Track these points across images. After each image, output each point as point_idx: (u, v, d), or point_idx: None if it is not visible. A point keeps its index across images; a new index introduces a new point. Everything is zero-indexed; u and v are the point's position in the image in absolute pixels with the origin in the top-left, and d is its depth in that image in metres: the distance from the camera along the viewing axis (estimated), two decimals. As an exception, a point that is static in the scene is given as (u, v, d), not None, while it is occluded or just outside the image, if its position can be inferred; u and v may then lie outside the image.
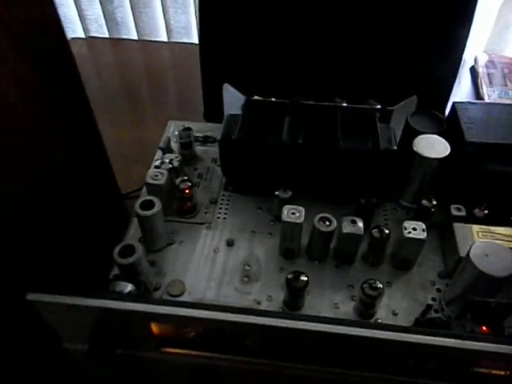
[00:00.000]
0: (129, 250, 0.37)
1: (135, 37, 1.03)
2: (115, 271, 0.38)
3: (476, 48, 0.93)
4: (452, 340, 0.29)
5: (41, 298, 0.30)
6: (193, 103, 0.68)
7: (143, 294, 0.36)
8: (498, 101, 0.66)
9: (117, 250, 0.37)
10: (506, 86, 0.70)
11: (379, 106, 0.47)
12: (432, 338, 0.29)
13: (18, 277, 0.37)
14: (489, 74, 0.72)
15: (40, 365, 0.41)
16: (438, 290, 0.40)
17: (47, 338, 0.35)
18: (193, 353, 0.35)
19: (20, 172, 0.38)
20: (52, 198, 0.42)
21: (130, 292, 0.35)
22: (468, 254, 0.34)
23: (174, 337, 0.34)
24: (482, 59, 0.74)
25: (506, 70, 0.72)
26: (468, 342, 0.29)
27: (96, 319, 0.32)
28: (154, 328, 0.33)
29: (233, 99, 0.49)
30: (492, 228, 0.40)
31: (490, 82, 0.70)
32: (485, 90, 0.69)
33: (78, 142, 0.47)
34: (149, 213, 0.39)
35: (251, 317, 0.30)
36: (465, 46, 0.50)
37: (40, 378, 0.42)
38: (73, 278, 0.40)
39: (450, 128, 0.44)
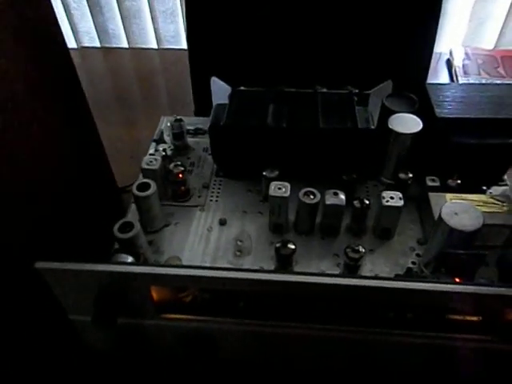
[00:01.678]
0: (128, 227, 0.39)
1: (126, 46, 1.07)
2: (115, 247, 0.41)
3: (453, 43, 0.98)
4: (427, 284, 0.31)
5: (49, 266, 0.33)
6: (183, 103, 0.72)
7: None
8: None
9: (117, 226, 0.39)
10: (479, 75, 0.73)
11: (357, 91, 0.50)
12: (410, 283, 0.32)
13: (29, 253, 0.40)
14: (464, 65, 0.76)
15: (47, 338, 0.44)
16: (418, 255, 0.43)
17: (54, 310, 0.38)
18: (191, 317, 0.37)
19: (32, 161, 0.41)
20: (57, 185, 0.45)
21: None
22: (439, 214, 0.37)
23: (173, 302, 0.37)
24: (457, 51, 0.78)
25: (480, 61, 0.76)
26: (441, 285, 0.31)
27: (99, 287, 0.35)
28: (154, 293, 0.36)
29: (220, 91, 0.52)
30: (464, 195, 0.43)
31: (465, 72, 0.74)
32: (460, 79, 0.73)
33: (79, 137, 0.51)
34: (145, 193, 0.42)
35: (245, 273, 0.32)
36: (435, 32, 0.53)
37: (47, 351, 0.44)
38: (76, 253, 0.42)
39: (422, 107, 0.47)
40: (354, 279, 0.31)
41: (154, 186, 0.43)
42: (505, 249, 0.42)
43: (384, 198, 0.42)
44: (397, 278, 0.34)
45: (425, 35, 0.54)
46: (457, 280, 0.35)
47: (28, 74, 0.41)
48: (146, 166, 0.46)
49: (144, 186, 0.43)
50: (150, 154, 0.49)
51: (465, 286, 0.31)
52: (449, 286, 0.31)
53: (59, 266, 0.33)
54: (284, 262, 0.40)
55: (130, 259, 0.38)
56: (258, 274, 0.32)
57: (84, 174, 0.51)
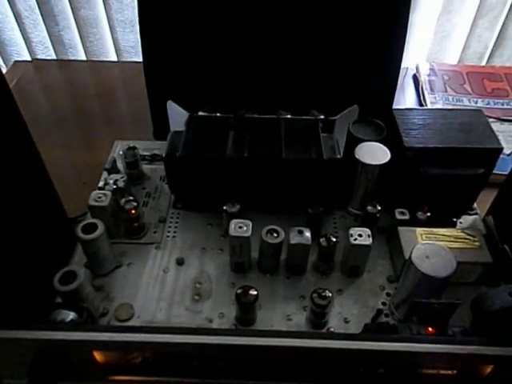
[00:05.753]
0: (70, 276, 0.35)
1: (84, 58, 1.02)
2: (58, 299, 0.37)
3: (418, 57, 0.97)
4: (398, 344, 0.29)
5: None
6: (145, 121, 0.67)
7: (86, 321, 0.35)
8: (439, 106, 0.68)
9: (57, 276, 0.35)
10: (446, 91, 0.72)
11: (322, 117, 0.48)
12: (378, 343, 0.29)
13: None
14: (430, 81, 0.74)
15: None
16: (388, 295, 0.41)
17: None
18: (142, 379, 0.34)
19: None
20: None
21: (72, 320, 0.33)
22: (410, 257, 0.35)
23: (121, 364, 0.33)
24: (423, 67, 0.77)
25: (446, 77, 0.75)
26: (412, 345, 0.29)
27: (35, 352, 0.31)
28: (98, 356, 0.32)
29: (177, 116, 0.48)
30: (434, 230, 0.41)
31: (432, 89, 0.73)
32: (427, 96, 0.71)
33: (15, 164, 0.45)
34: (91, 236, 0.38)
35: (199, 336, 0.29)
36: (402, 54, 0.51)
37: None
38: (12, 309, 0.38)
39: (389, 134, 0.45)
40: (319, 340, 0.29)
41: (101, 227, 0.39)
42: (477, 286, 0.40)
43: (352, 235, 0.39)
44: (365, 335, 0.31)
45: (391, 56, 0.52)
46: (429, 329, 0.33)
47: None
48: (94, 203, 0.42)
49: (91, 227, 0.39)
50: (99, 188, 0.45)
51: (438, 346, 0.28)
52: (421, 345, 0.28)
53: (-16, 335, 0.29)
54: (246, 309, 0.37)
55: (71, 315, 0.33)
56: (213, 337, 0.29)
57: (23, 206, 0.45)
